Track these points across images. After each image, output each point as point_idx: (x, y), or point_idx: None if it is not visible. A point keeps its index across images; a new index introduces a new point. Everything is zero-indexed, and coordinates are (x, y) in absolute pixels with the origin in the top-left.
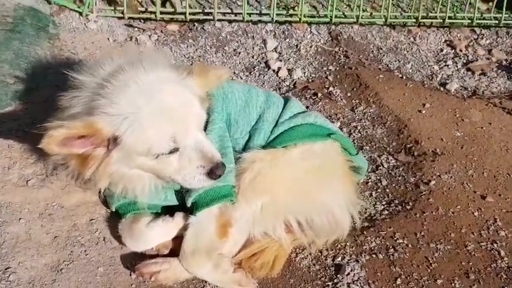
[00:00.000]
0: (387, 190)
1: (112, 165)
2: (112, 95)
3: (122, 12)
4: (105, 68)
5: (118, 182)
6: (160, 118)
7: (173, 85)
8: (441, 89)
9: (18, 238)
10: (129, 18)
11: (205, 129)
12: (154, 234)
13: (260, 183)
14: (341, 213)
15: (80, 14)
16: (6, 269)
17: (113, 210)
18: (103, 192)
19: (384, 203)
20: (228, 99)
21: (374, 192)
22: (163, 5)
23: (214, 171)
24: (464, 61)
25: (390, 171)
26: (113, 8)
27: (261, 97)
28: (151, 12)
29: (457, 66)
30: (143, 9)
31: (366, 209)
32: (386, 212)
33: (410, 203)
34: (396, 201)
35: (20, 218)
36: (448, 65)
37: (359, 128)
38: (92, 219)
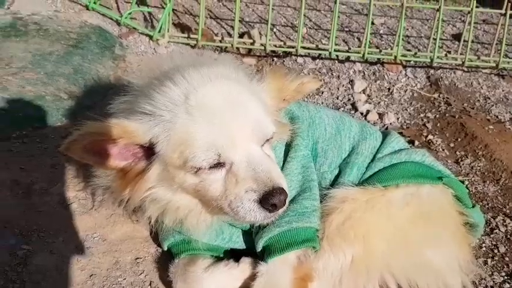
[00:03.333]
0: (507, 259)
1: (150, 185)
2: (153, 92)
3: (197, 40)
4: (160, 68)
5: (164, 209)
6: (199, 120)
7: (227, 81)
8: None
9: (46, 273)
10: (203, 46)
11: (285, 155)
12: (213, 283)
13: (351, 228)
14: (453, 279)
15: (151, 38)
16: None
17: (165, 249)
18: (154, 226)
19: (503, 273)
20: (315, 125)
21: (489, 260)
22: (241, 37)
23: (268, 199)
24: None
25: (509, 236)
26: (186, 36)
27: (354, 126)
28: (227, 42)
29: None
30: (219, 38)
31: (481, 279)
32: (507, 286)
33: None
34: None
35: (51, 249)
36: None
37: (466, 183)
38: (138, 258)
